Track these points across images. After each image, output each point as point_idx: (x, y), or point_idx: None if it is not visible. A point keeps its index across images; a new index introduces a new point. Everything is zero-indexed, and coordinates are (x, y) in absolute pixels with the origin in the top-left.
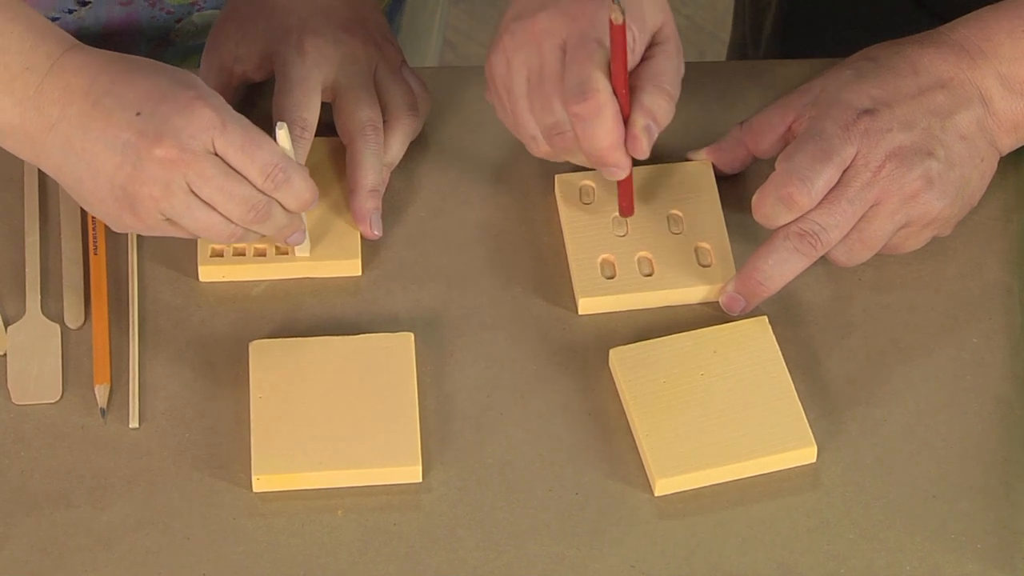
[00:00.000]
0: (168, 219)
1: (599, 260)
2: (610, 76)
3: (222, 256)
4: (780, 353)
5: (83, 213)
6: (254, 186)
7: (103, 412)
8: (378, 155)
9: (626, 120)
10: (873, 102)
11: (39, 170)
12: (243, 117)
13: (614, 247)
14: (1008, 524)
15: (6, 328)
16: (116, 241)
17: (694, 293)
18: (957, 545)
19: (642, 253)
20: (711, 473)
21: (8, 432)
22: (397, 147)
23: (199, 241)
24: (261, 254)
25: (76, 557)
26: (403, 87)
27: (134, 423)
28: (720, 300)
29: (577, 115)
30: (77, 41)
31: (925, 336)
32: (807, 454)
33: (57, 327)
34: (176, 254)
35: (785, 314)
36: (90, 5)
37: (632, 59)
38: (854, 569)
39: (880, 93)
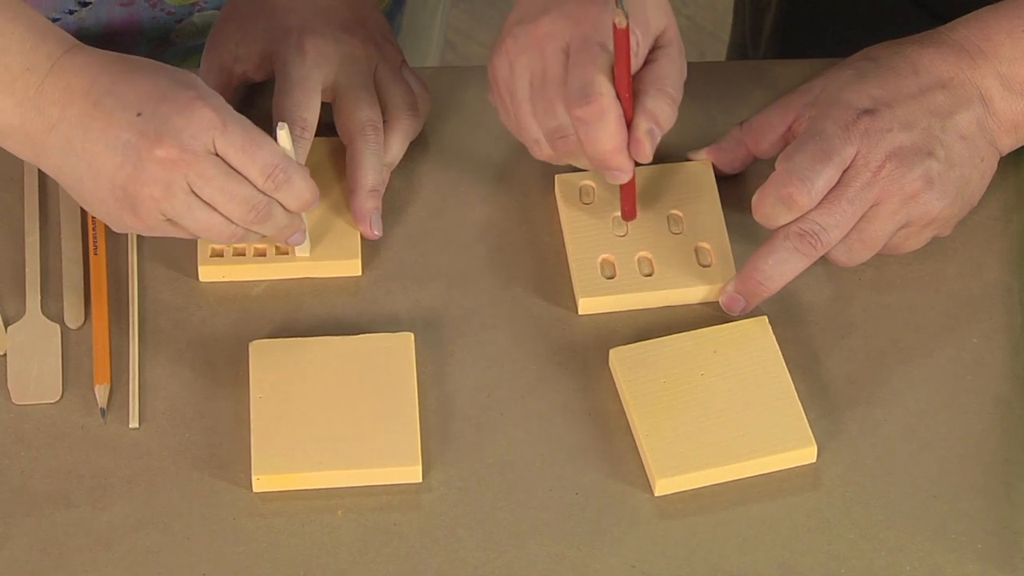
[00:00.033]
0: (169, 219)
1: (599, 260)
2: (613, 80)
3: (222, 256)
4: (780, 353)
5: (83, 213)
6: (255, 186)
7: (103, 412)
8: (378, 155)
9: (629, 124)
10: (873, 102)
11: (39, 170)
12: (244, 117)
13: (614, 247)
14: (1008, 524)
15: (6, 328)
16: (116, 241)
17: (694, 293)
18: (957, 545)
19: (642, 253)
20: (711, 473)
21: (8, 432)
22: (397, 147)
23: (199, 241)
24: (261, 254)
25: (76, 557)
26: (403, 87)
27: (134, 423)
28: (720, 300)
29: (580, 119)
30: (77, 41)
31: (925, 336)
32: (807, 454)
33: (57, 327)
34: (176, 254)
35: (785, 314)
36: (91, 6)
37: (635, 63)
38: (854, 569)
39: (880, 93)
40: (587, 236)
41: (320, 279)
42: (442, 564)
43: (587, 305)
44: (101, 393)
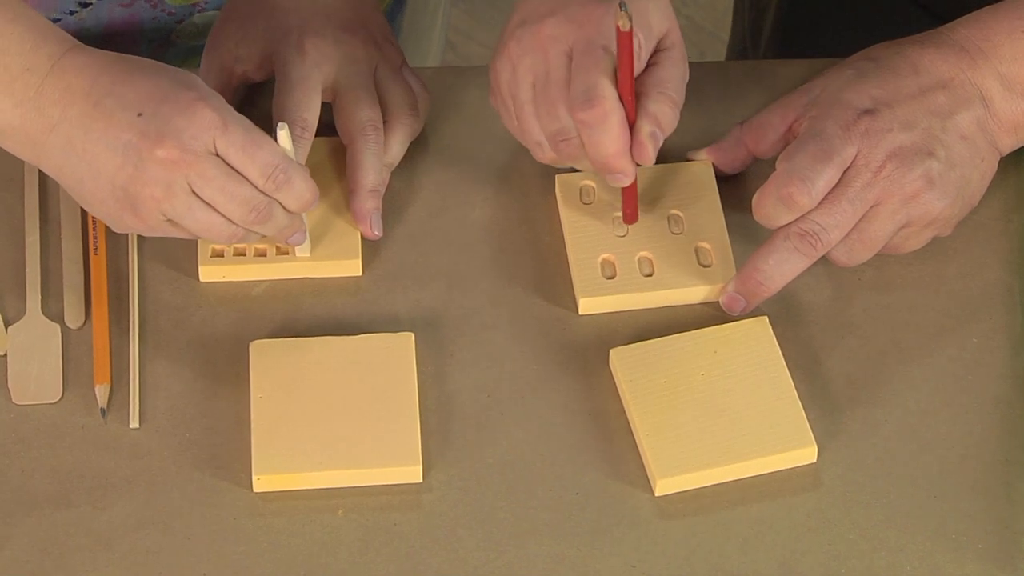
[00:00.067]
0: (169, 220)
1: (599, 260)
2: (616, 83)
3: (222, 256)
4: (780, 353)
5: (83, 213)
6: (255, 187)
7: (103, 412)
8: (378, 155)
9: (631, 127)
10: (874, 102)
11: (39, 170)
12: (244, 118)
13: (614, 247)
14: (1008, 524)
15: (6, 328)
16: (116, 241)
17: (694, 293)
18: (957, 545)
19: (642, 253)
20: (712, 473)
21: (8, 432)
22: (397, 147)
23: (199, 241)
24: (261, 254)
25: (76, 557)
26: (403, 87)
27: (134, 423)
28: (720, 300)
29: (583, 122)
30: (78, 42)
31: (925, 336)
32: (807, 454)
33: (57, 327)
34: (176, 254)
35: (785, 314)
36: (91, 6)
37: (637, 66)
38: (854, 569)
39: (881, 93)
40: (587, 236)
41: (320, 279)
42: (442, 564)
43: (587, 305)
44: (101, 393)
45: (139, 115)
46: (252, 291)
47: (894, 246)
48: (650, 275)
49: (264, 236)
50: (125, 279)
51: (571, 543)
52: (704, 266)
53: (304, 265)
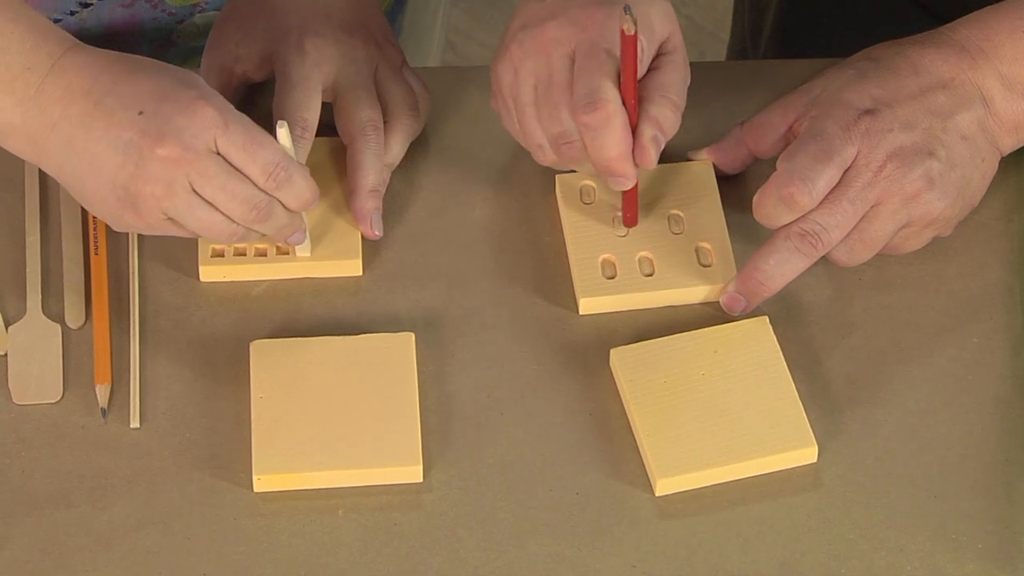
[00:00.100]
0: (170, 218)
1: (600, 260)
2: (619, 86)
3: (223, 256)
4: (781, 353)
5: (84, 213)
6: (256, 185)
7: (104, 412)
8: (379, 155)
9: (634, 130)
10: (874, 102)
11: (40, 170)
12: (245, 116)
13: (615, 247)
14: (1008, 524)
15: (7, 328)
16: (117, 241)
17: (695, 293)
18: (957, 545)
19: (643, 253)
20: (712, 473)
21: (8, 432)
22: (398, 147)
23: (200, 241)
24: (262, 254)
25: (76, 557)
26: (404, 87)
27: (135, 423)
28: (721, 300)
29: (586, 125)
30: (78, 41)
31: (925, 336)
32: (808, 454)
33: (58, 327)
34: (177, 254)
35: (786, 314)
36: (92, 6)
37: (640, 69)
38: (854, 569)
39: (881, 93)
40: (588, 236)
41: (321, 279)
42: (442, 564)
43: (588, 305)
44: (102, 393)
45: (140, 114)
46: (252, 291)
47: (894, 246)
48: (650, 275)
49: (264, 235)
50: (125, 279)
51: (571, 543)
52: (704, 266)
53: (304, 265)
